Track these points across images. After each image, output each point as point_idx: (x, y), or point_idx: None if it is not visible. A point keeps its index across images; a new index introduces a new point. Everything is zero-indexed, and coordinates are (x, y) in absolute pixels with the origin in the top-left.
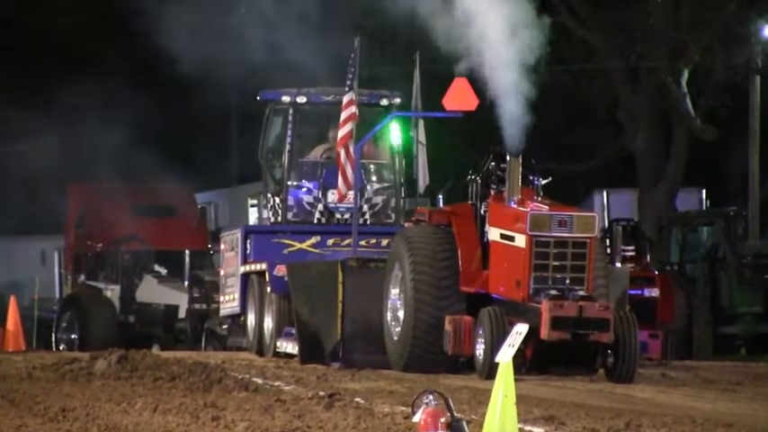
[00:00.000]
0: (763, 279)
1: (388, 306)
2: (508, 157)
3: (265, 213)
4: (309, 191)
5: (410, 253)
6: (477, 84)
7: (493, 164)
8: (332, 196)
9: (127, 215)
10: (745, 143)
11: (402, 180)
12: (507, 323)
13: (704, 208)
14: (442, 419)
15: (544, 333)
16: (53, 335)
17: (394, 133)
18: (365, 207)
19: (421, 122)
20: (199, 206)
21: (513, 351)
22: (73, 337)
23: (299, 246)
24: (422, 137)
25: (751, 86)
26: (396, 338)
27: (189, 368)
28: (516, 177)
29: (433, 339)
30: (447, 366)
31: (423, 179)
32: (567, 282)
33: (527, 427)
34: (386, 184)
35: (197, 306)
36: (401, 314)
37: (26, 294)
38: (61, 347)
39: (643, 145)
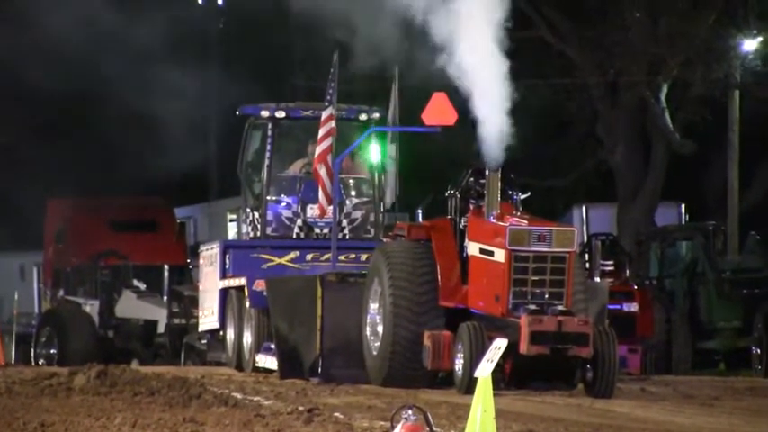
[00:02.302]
0: (742, 294)
1: (367, 321)
2: (487, 172)
3: (244, 228)
4: (288, 206)
5: (389, 268)
6: (457, 98)
7: (472, 179)
8: (311, 211)
9: (106, 230)
10: (725, 158)
11: (381, 195)
12: (486, 338)
13: (683, 222)
14: None
15: (523, 348)
16: (32, 350)
17: (373, 152)
18: (344, 222)
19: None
20: (178, 221)
21: (491, 366)
22: (52, 352)
23: (277, 261)
24: (392, 152)
25: (730, 101)
26: (375, 353)
27: (168, 383)
28: (495, 192)
29: (412, 354)
30: (426, 381)
31: (390, 194)
32: (547, 296)
33: None
34: (365, 199)
35: (176, 321)
36: (380, 329)
37: (5, 310)
38: (40, 362)
39: (622, 159)
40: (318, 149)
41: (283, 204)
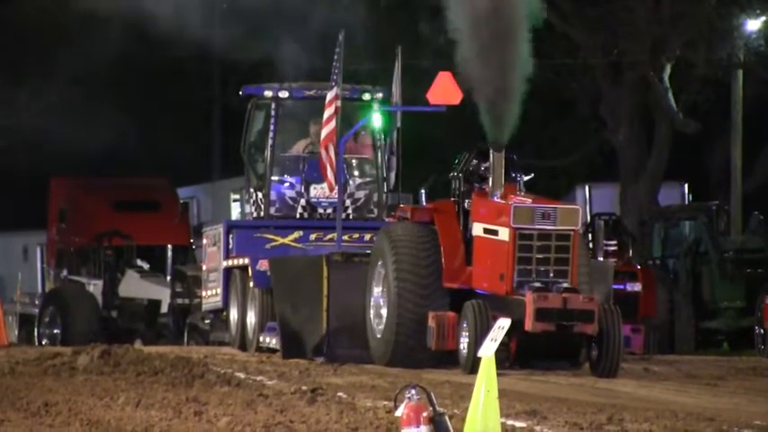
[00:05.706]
0: (745, 273)
1: (371, 303)
2: (491, 153)
3: (248, 208)
4: (292, 186)
5: (393, 251)
6: (461, 78)
7: (475, 161)
8: (315, 191)
9: (109, 210)
10: (728, 138)
11: (384, 175)
12: (491, 317)
13: (686, 202)
14: (425, 414)
15: (528, 325)
16: (36, 330)
17: (376, 121)
18: (348, 202)
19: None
20: (181, 201)
21: (495, 345)
22: (55, 332)
23: (281, 240)
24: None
25: (733, 81)
26: (379, 336)
27: (171, 363)
28: (499, 172)
29: (417, 336)
30: (430, 361)
31: (394, 175)
32: (551, 274)
33: (509, 422)
34: (368, 179)
35: (179, 301)
36: (384, 311)
37: (8, 290)
38: (44, 342)
39: (625, 139)
40: (325, 131)
41: (287, 184)
